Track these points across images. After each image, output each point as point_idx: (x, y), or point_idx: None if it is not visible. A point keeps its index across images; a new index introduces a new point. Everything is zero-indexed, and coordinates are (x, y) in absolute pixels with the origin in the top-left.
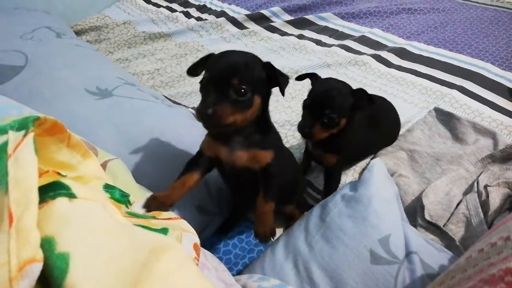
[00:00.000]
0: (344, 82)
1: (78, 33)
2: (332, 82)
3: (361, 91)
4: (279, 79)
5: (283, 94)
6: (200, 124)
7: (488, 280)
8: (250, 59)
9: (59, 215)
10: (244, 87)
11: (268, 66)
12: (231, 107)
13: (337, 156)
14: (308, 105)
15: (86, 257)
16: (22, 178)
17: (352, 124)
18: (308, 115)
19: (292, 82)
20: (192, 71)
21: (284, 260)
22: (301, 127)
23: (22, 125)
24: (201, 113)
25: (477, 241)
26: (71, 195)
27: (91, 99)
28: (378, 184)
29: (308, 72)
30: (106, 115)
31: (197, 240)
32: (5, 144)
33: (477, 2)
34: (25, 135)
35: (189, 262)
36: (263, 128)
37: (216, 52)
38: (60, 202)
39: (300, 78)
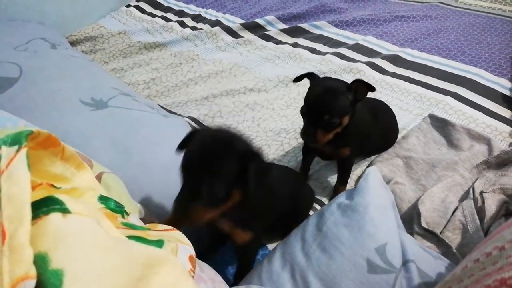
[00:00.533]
0: (339, 80)
1: (73, 43)
2: (325, 83)
3: (358, 81)
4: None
5: (250, 191)
6: None
7: None
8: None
9: (53, 231)
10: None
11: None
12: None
13: (350, 148)
14: (306, 113)
15: (80, 273)
16: (15, 194)
17: (356, 114)
18: (308, 122)
19: (287, 90)
20: None
21: (281, 270)
22: (304, 136)
23: (15, 141)
24: None
25: (473, 250)
26: (65, 210)
27: (86, 110)
28: (374, 192)
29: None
30: (101, 126)
31: (193, 252)
32: None
33: (469, 9)
34: (18, 151)
35: (185, 276)
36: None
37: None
38: (54, 218)
39: (297, 79)
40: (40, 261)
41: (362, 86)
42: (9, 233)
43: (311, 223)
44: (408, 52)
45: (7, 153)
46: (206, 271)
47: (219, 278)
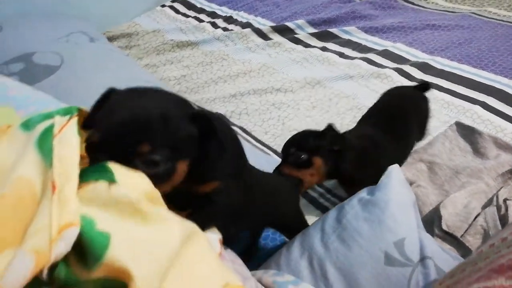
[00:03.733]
0: (311, 130)
1: (110, 39)
2: (303, 130)
3: (329, 129)
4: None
5: (222, 152)
6: None
7: (496, 269)
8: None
9: (99, 198)
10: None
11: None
12: None
13: (360, 186)
14: (282, 154)
15: (126, 238)
16: (65, 155)
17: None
18: (282, 160)
19: (314, 91)
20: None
21: (299, 257)
22: (274, 170)
23: (67, 111)
24: None
25: (490, 238)
26: (112, 180)
27: None
28: (395, 189)
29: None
30: None
31: (220, 236)
32: (52, 126)
33: (502, 21)
34: (69, 119)
35: (212, 250)
36: None
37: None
38: (101, 185)
39: None
40: (85, 222)
41: (335, 137)
42: (58, 187)
43: (331, 216)
44: (437, 60)
45: (60, 121)
46: (227, 252)
47: (239, 260)
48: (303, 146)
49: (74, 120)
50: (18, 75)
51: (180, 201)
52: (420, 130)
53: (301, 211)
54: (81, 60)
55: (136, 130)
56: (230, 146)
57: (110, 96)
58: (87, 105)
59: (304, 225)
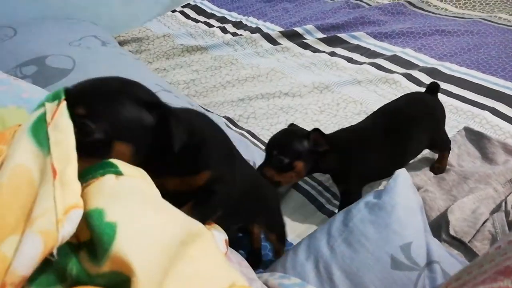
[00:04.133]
0: (301, 129)
1: (121, 43)
2: (286, 130)
3: (315, 131)
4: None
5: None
6: (232, 133)
7: (502, 271)
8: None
9: (108, 190)
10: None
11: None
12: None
13: (348, 184)
14: (265, 153)
15: (131, 226)
16: (61, 140)
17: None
18: (265, 160)
19: (322, 96)
20: None
21: (305, 260)
22: (257, 169)
23: (55, 96)
24: None
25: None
26: (118, 172)
27: None
28: (402, 193)
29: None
30: None
31: (226, 237)
32: (44, 113)
33: None
34: (58, 104)
35: (218, 249)
36: None
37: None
38: (109, 179)
39: None
40: (97, 215)
41: (320, 137)
42: (59, 170)
43: (337, 219)
44: (446, 66)
45: (50, 107)
46: (234, 254)
47: (245, 263)
48: (285, 151)
49: (64, 104)
50: (31, 78)
51: (179, 198)
52: (431, 138)
53: (281, 210)
54: (93, 63)
55: (80, 95)
56: (210, 139)
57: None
58: None
59: (283, 225)
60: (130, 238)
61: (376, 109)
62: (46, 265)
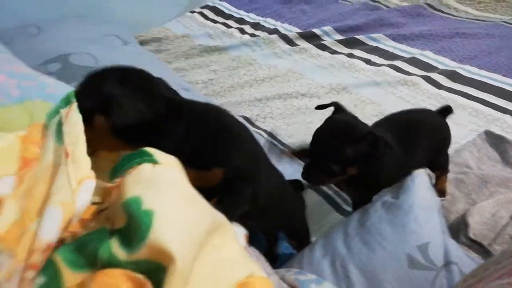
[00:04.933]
0: (357, 122)
1: (141, 43)
2: (336, 124)
3: (373, 136)
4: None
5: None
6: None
7: None
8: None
9: (145, 178)
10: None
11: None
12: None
13: (368, 190)
14: (310, 151)
15: (167, 215)
16: (70, 130)
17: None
18: (311, 162)
19: (339, 97)
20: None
21: (322, 258)
22: (303, 173)
23: (67, 101)
24: None
25: None
26: (155, 161)
27: None
28: (420, 193)
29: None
30: None
31: (246, 232)
32: (61, 122)
33: None
34: (70, 106)
35: (238, 240)
36: None
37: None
38: (146, 167)
39: (320, 107)
40: (134, 203)
41: (388, 143)
42: (70, 152)
43: (354, 219)
44: (466, 69)
45: (64, 113)
46: (252, 249)
47: (262, 258)
48: (336, 158)
49: (75, 105)
50: (55, 75)
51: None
52: (432, 157)
53: (307, 219)
54: (114, 62)
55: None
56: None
57: None
58: None
59: (309, 234)
60: (167, 227)
61: (387, 115)
62: (77, 249)
